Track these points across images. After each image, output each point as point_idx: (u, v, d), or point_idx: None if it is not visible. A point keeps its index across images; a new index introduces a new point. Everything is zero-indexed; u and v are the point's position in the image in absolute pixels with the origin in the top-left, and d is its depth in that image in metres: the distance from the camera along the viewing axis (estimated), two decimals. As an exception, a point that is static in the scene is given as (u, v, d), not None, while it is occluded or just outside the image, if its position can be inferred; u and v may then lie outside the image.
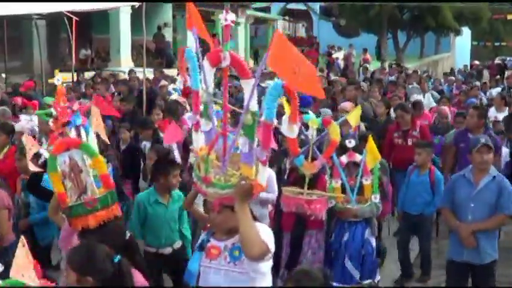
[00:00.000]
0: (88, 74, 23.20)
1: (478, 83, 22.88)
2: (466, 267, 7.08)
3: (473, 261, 6.98)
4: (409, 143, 10.84)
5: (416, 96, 16.31)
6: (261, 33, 48.27)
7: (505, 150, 11.33)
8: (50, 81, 5.61)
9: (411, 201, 9.04)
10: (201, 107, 4.43)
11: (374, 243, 7.54)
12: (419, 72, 26.52)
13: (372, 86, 17.42)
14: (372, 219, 7.58)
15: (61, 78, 6.33)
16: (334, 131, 7.12)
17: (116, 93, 16.69)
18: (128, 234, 5.14)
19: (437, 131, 12.55)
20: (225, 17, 4.13)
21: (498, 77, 29.31)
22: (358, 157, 7.51)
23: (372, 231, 7.56)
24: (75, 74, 20.09)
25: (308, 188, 7.23)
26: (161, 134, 10.48)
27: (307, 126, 7.43)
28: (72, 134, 5.78)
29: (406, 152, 10.43)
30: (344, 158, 7.55)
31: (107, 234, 4.83)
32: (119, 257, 4.19)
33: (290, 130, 4.11)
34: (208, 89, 4.30)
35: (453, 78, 25.93)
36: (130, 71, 20.39)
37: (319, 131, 7.79)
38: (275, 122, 4.06)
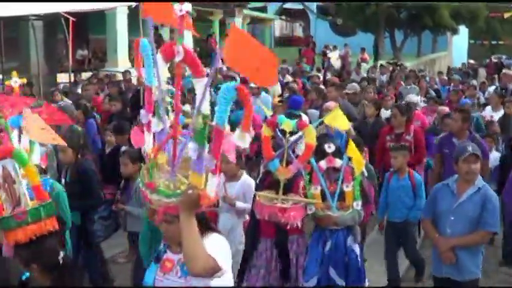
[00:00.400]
0: (85, 75, 23.18)
1: (475, 82, 22.53)
2: (448, 283, 6.62)
3: (454, 278, 6.54)
4: None
5: (412, 97, 15.70)
6: (257, 32, 48.31)
7: (494, 156, 10.94)
8: (6, 83, 5.43)
9: (393, 208, 8.67)
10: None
11: (358, 251, 7.12)
12: (416, 72, 26.45)
13: (366, 87, 16.87)
14: (354, 227, 7.15)
15: (19, 80, 5.94)
16: (310, 135, 6.81)
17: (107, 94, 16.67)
18: (62, 254, 4.48)
19: (437, 132, 11.90)
20: (180, 8, 3.89)
21: (496, 76, 28.92)
22: (338, 162, 7.04)
23: (354, 238, 7.13)
24: (72, 75, 20.09)
25: (283, 193, 6.89)
26: None
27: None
28: (15, 140, 5.24)
29: None
30: (323, 163, 7.07)
31: (39, 252, 4.43)
32: (27, 274, 3.85)
33: (241, 139, 3.82)
34: (160, 85, 4.00)
35: (445, 78, 25.37)
36: (125, 72, 20.35)
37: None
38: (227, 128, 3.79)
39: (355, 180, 7.00)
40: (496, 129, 12.48)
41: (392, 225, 8.70)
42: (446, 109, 13.20)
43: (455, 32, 43.77)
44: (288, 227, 6.79)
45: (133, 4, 17.69)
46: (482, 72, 33.13)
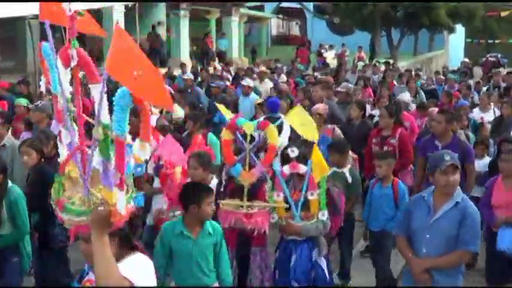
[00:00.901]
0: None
1: (471, 82, 21.99)
2: None
3: None
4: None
5: (404, 96, 15.43)
6: (254, 31, 48.33)
7: (483, 162, 10.11)
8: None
9: (373, 216, 8.15)
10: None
11: (325, 265, 6.61)
12: (412, 71, 26.23)
13: (355, 88, 16.15)
14: (318, 239, 6.60)
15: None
16: (272, 135, 6.54)
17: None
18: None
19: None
20: (69, 7, 3.60)
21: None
22: (302, 168, 6.49)
23: (320, 251, 6.58)
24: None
25: (248, 199, 6.50)
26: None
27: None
28: None
29: None
30: (286, 169, 6.55)
31: None
32: None
33: (142, 148, 3.56)
34: (64, 92, 3.60)
35: (442, 77, 24.11)
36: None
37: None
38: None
39: (321, 188, 6.48)
40: (486, 134, 11.96)
41: (371, 234, 8.35)
42: (436, 110, 12.62)
43: (452, 30, 43.79)
44: (254, 234, 6.47)
45: (130, 3, 17.66)
46: (478, 71, 32.76)
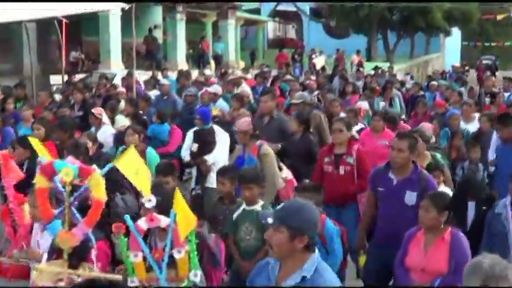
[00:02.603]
0: (79, 77, 23.15)
1: (462, 89, 19.78)
2: None
3: None
4: (341, 171, 8.37)
5: (362, 106, 13.60)
6: (251, 34, 48.37)
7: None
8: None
9: None
10: None
11: None
12: (399, 76, 25.42)
13: (333, 100, 13.92)
14: None
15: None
16: (97, 187, 4.93)
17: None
18: None
19: None
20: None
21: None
22: (163, 221, 4.94)
23: None
24: (65, 77, 20.08)
25: (71, 266, 5.01)
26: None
27: None
28: None
29: (337, 184, 8.22)
30: (143, 223, 4.94)
31: None
32: None
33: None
34: None
35: (434, 83, 21.32)
36: (101, 76, 19.90)
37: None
38: None
39: (190, 244, 4.89)
40: (458, 144, 10.98)
41: None
42: (406, 128, 11.32)
43: (448, 33, 43.94)
44: None
45: (127, 6, 17.66)
46: (471, 75, 32.02)
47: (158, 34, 30.76)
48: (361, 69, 27.47)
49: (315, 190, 6.82)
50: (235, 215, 6.66)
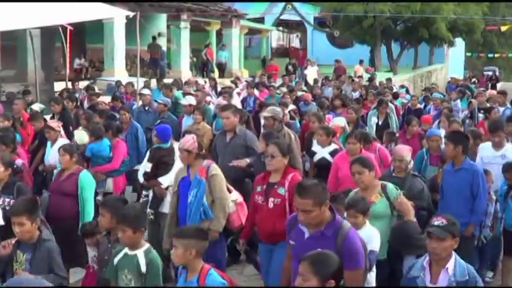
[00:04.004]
0: (83, 84, 23.21)
1: (458, 103, 19.06)
2: None
3: None
4: (270, 204, 7.10)
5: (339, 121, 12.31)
6: (255, 43, 48.44)
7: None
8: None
9: None
10: None
11: None
12: (394, 88, 24.15)
13: (312, 114, 12.71)
14: None
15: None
16: None
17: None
18: None
19: (393, 181, 7.88)
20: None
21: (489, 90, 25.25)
22: None
23: None
24: (69, 84, 20.13)
25: None
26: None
27: None
28: None
29: (266, 218, 7.15)
30: None
31: None
32: None
33: None
34: None
35: (437, 96, 19.77)
36: (87, 87, 19.66)
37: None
38: None
39: None
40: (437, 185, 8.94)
41: None
42: (403, 149, 8.87)
43: (451, 44, 43.86)
44: None
45: (131, 14, 17.72)
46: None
47: (162, 42, 30.82)
48: (356, 79, 25.95)
49: None
50: (116, 259, 5.82)
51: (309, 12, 49.51)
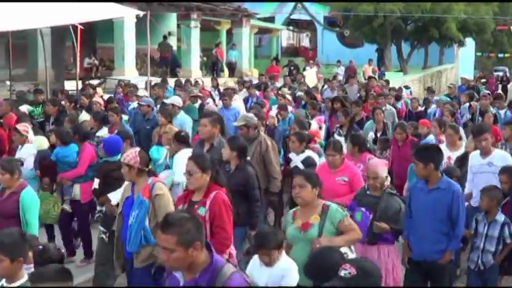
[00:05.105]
0: (93, 83, 23.28)
1: (467, 106, 17.75)
2: None
3: None
4: None
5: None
6: (265, 43, 48.44)
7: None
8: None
9: None
10: None
11: None
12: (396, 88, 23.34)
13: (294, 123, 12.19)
14: None
15: None
16: None
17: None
18: None
19: (367, 203, 7.44)
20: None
21: (499, 91, 25.03)
22: None
23: None
24: (79, 83, 20.19)
25: None
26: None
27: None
28: None
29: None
30: None
31: None
32: None
33: None
34: None
35: (444, 99, 18.78)
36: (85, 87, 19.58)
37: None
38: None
39: None
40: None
41: None
42: (374, 161, 8.25)
43: (462, 44, 43.76)
44: None
45: (141, 13, 17.77)
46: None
47: (173, 41, 30.87)
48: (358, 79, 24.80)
49: None
50: None
51: (319, 12, 49.48)
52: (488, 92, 20.73)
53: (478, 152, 9.26)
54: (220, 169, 7.12)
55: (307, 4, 48.17)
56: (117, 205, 7.54)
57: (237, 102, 15.83)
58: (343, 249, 5.66)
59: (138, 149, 7.10)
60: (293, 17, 48.68)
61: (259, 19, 40.18)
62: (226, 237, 6.30)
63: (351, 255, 5.81)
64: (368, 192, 7.48)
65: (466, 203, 8.09)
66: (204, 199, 6.31)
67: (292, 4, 47.52)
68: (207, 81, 24.71)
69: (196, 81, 21.94)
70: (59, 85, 21.91)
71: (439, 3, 38.16)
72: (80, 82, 20.24)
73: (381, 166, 7.57)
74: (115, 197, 7.98)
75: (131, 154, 6.85)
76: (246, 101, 18.01)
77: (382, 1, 38.10)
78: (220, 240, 6.17)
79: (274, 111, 14.45)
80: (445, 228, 6.96)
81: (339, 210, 6.23)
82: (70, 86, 20.94)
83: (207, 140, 8.94)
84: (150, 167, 7.04)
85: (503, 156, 9.10)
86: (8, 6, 14.05)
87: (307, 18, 49.80)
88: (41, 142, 10.42)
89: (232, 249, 6.49)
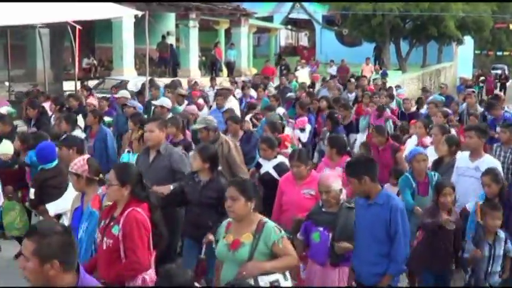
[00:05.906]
0: (92, 83, 23.27)
1: (463, 106, 16.55)
2: None
3: None
4: (104, 245, 5.66)
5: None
6: (263, 42, 48.47)
7: None
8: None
9: None
10: None
11: None
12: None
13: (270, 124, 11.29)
14: None
15: None
16: None
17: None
18: None
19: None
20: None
21: (498, 92, 24.94)
22: None
23: None
24: (78, 83, 20.18)
25: None
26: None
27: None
28: None
29: (101, 262, 5.79)
30: None
31: None
32: None
33: None
34: None
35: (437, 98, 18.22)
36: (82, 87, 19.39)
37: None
38: None
39: None
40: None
41: None
42: (325, 173, 7.29)
43: (460, 42, 43.76)
44: None
45: (140, 13, 17.76)
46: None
47: (171, 41, 30.87)
48: (352, 80, 23.89)
49: None
50: None
51: (318, 11, 49.52)
52: (472, 90, 20.42)
53: (467, 153, 8.64)
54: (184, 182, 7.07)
55: (305, 3, 48.21)
56: (59, 216, 7.10)
57: (232, 103, 15.32)
58: (275, 276, 5.28)
59: (86, 156, 6.60)
60: (291, 16, 48.72)
61: (257, 18, 40.20)
62: (136, 261, 5.40)
63: (284, 283, 5.36)
64: (323, 209, 6.69)
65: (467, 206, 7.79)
66: (119, 216, 5.50)
67: (290, 3, 47.56)
68: (206, 81, 24.69)
69: (195, 82, 21.90)
70: (58, 86, 21.92)
71: (437, 1, 38.16)
72: (78, 82, 20.23)
73: (333, 178, 6.73)
74: (53, 208, 7.28)
75: (79, 162, 6.30)
76: (240, 101, 17.85)
77: (380, 0, 38.10)
78: (129, 265, 5.42)
79: (248, 116, 13.86)
80: (384, 249, 6.10)
81: (275, 231, 5.42)
82: (69, 86, 20.95)
83: (153, 146, 7.94)
84: (100, 176, 6.37)
85: (493, 164, 8.24)
86: (7, 4, 14.07)
87: (306, 17, 49.84)
88: (7, 147, 9.53)
89: (148, 274, 5.56)
